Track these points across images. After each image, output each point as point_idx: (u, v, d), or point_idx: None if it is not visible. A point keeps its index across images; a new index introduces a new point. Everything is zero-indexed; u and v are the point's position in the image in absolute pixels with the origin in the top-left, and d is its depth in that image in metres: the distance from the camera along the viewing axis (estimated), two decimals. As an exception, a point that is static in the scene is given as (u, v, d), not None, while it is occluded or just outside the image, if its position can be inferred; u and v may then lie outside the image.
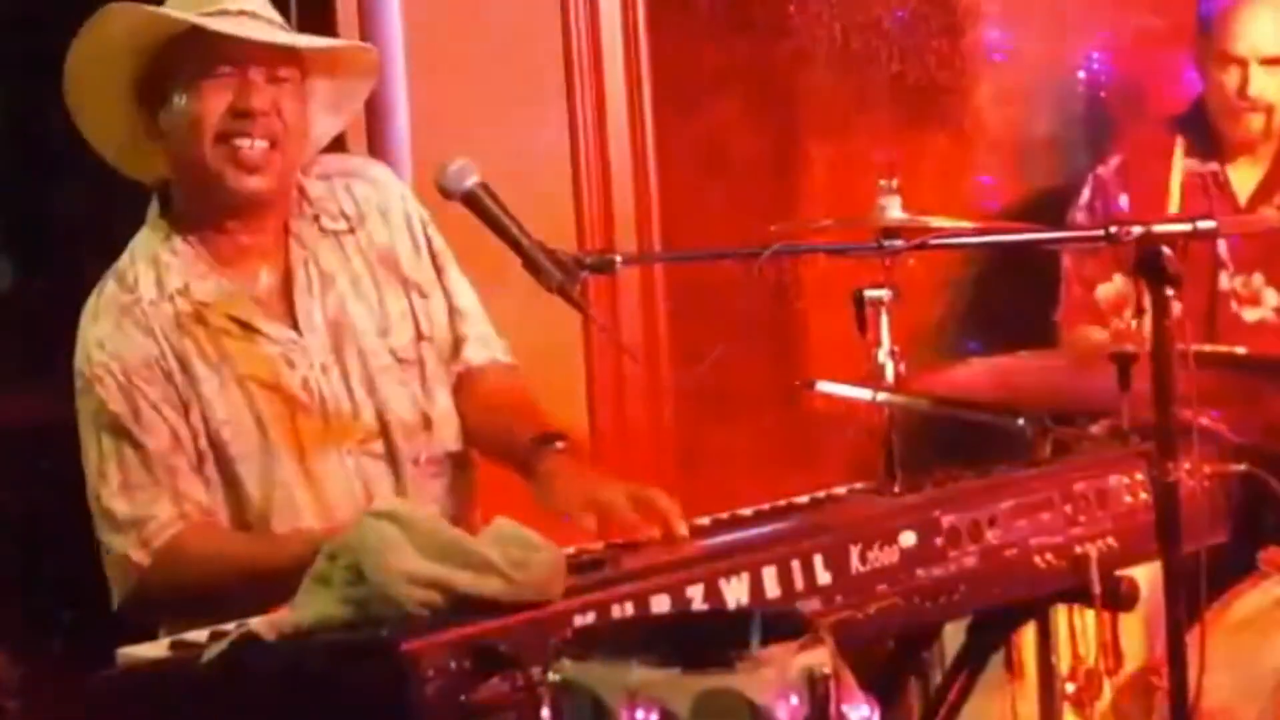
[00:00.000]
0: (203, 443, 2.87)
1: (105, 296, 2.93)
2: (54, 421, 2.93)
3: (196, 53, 2.87)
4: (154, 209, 2.99)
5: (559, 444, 2.87)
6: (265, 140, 2.88)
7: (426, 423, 2.99)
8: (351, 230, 3.02)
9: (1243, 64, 4.13)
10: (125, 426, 2.84)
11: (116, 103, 2.93)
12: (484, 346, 3.08)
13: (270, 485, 2.87)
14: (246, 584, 2.70)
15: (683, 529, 2.64)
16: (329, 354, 2.94)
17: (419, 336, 3.02)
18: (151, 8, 2.89)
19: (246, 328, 2.91)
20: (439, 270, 3.08)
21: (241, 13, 2.88)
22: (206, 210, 2.93)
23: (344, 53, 3.06)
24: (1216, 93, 4.19)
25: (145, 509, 2.83)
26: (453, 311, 3.07)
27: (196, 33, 2.85)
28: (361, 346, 2.96)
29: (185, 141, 2.89)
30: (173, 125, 2.90)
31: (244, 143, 2.87)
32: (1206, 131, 4.24)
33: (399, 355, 2.99)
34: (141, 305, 2.89)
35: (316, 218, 3.00)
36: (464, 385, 3.05)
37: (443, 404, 3.02)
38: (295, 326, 2.93)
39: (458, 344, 3.06)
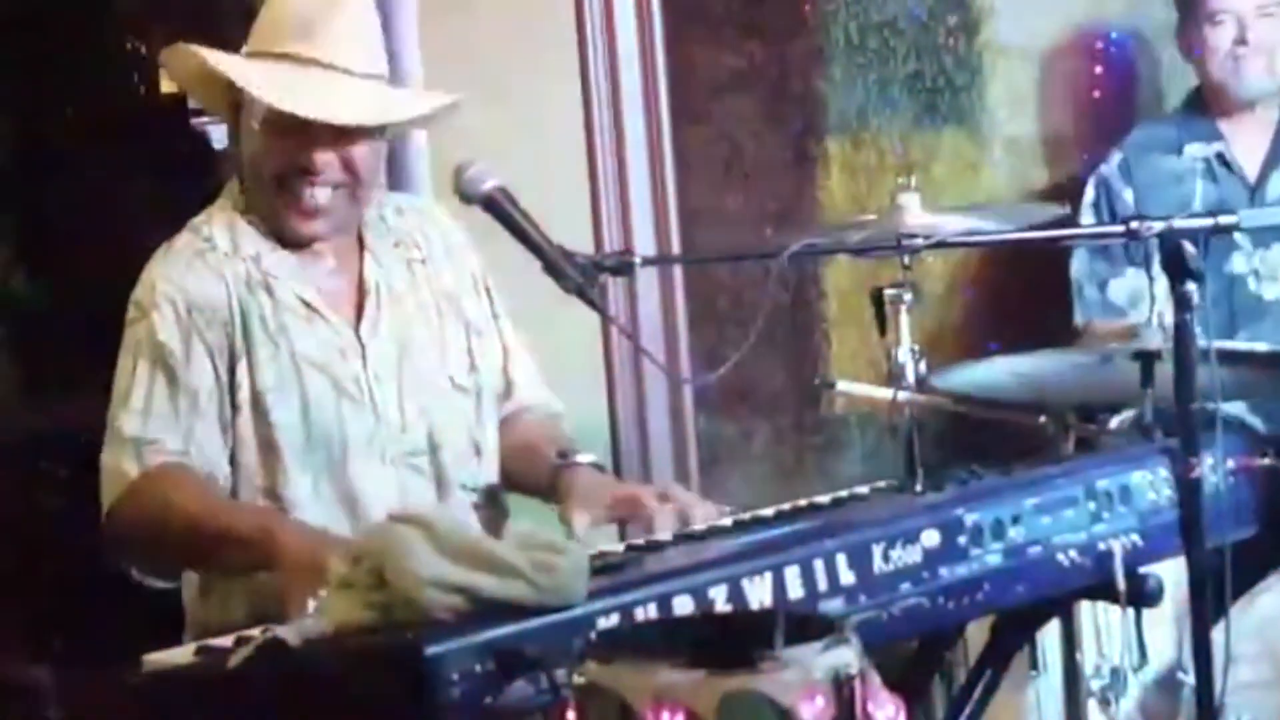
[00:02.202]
0: (242, 396, 2.84)
1: (178, 244, 2.92)
2: (96, 429, 2.92)
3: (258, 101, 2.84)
4: (234, 185, 2.97)
5: (582, 458, 2.89)
6: (328, 188, 2.88)
7: (477, 450, 3.00)
8: (423, 261, 3.03)
9: (1238, 15, 4.12)
10: (167, 358, 2.83)
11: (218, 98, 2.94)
12: (534, 391, 3.12)
13: (305, 465, 2.86)
14: (193, 536, 2.72)
15: (701, 518, 2.65)
16: (389, 367, 2.93)
17: (474, 368, 3.03)
18: (219, 61, 2.85)
19: (311, 309, 2.91)
20: (495, 317, 3.10)
21: (334, 67, 2.83)
22: (280, 233, 2.93)
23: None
24: (1212, 59, 4.18)
25: (153, 433, 2.81)
26: (507, 355, 3.09)
27: None
28: (421, 369, 2.96)
29: (252, 165, 2.89)
30: (246, 140, 2.90)
31: (305, 192, 2.87)
32: (1207, 114, 4.24)
33: (456, 382, 3.00)
34: (217, 253, 2.89)
35: (397, 242, 3.01)
36: (508, 422, 3.08)
37: (492, 436, 3.04)
38: (357, 331, 2.93)
39: (510, 387, 3.09)
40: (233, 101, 2.91)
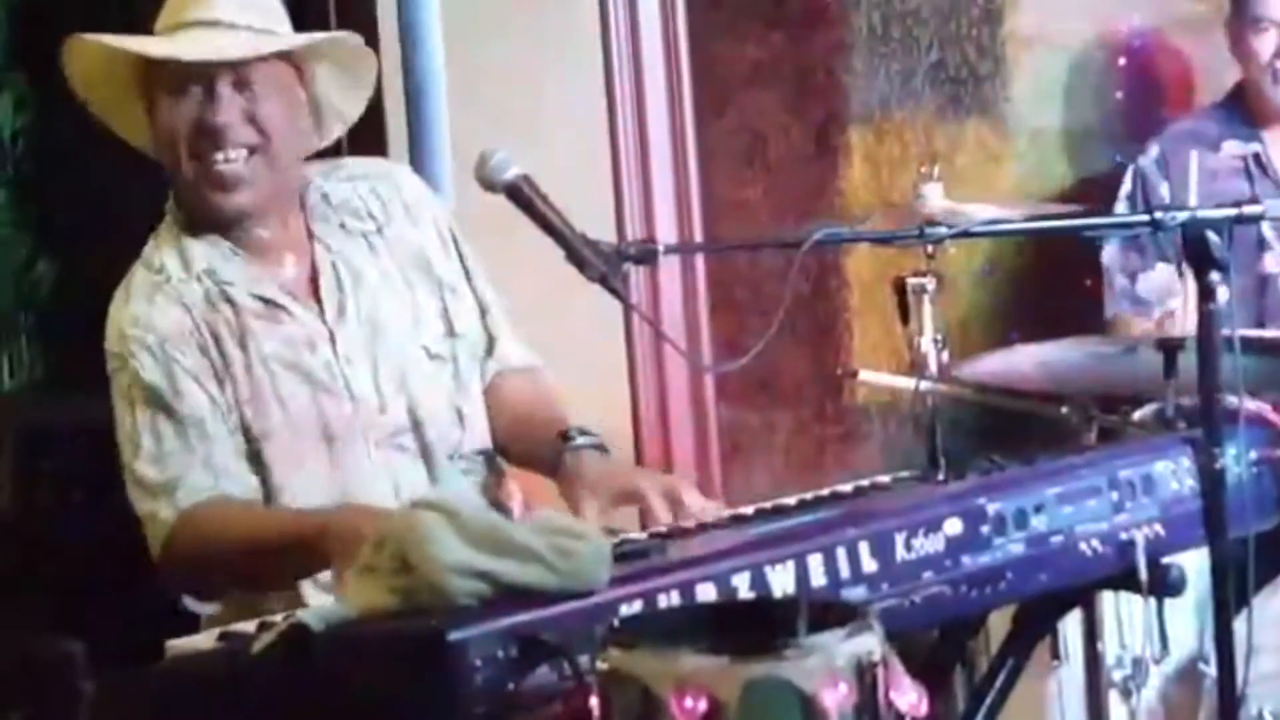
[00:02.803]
0: (234, 418, 2.86)
1: (134, 281, 2.92)
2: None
3: (165, 70, 2.86)
4: (171, 203, 2.98)
5: (581, 439, 2.88)
6: (241, 150, 2.87)
7: (460, 418, 2.99)
8: (379, 230, 3.01)
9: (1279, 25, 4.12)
10: (160, 396, 2.83)
11: (131, 109, 2.94)
12: (514, 349, 3.09)
13: (292, 466, 2.86)
14: (254, 558, 2.72)
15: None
16: (360, 349, 2.93)
17: (450, 333, 3.02)
18: (103, 38, 2.88)
19: (271, 305, 2.91)
20: (467, 271, 3.08)
21: (216, 23, 2.86)
22: (209, 217, 2.93)
23: (322, 45, 3.01)
24: (1253, 64, 4.18)
25: (176, 472, 2.81)
26: (483, 311, 3.07)
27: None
28: (394, 343, 2.95)
29: (166, 157, 2.90)
30: (156, 139, 2.91)
31: (217, 157, 2.86)
32: (1247, 113, 4.23)
33: (432, 351, 2.99)
34: (171, 282, 2.89)
35: (342, 223, 3.00)
36: (494, 391, 3.06)
37: (475, 400, 3.02)
38: (321, 316, 2.93)
39: (490, 343, 3.07)
40: (145, 97, 2.91)
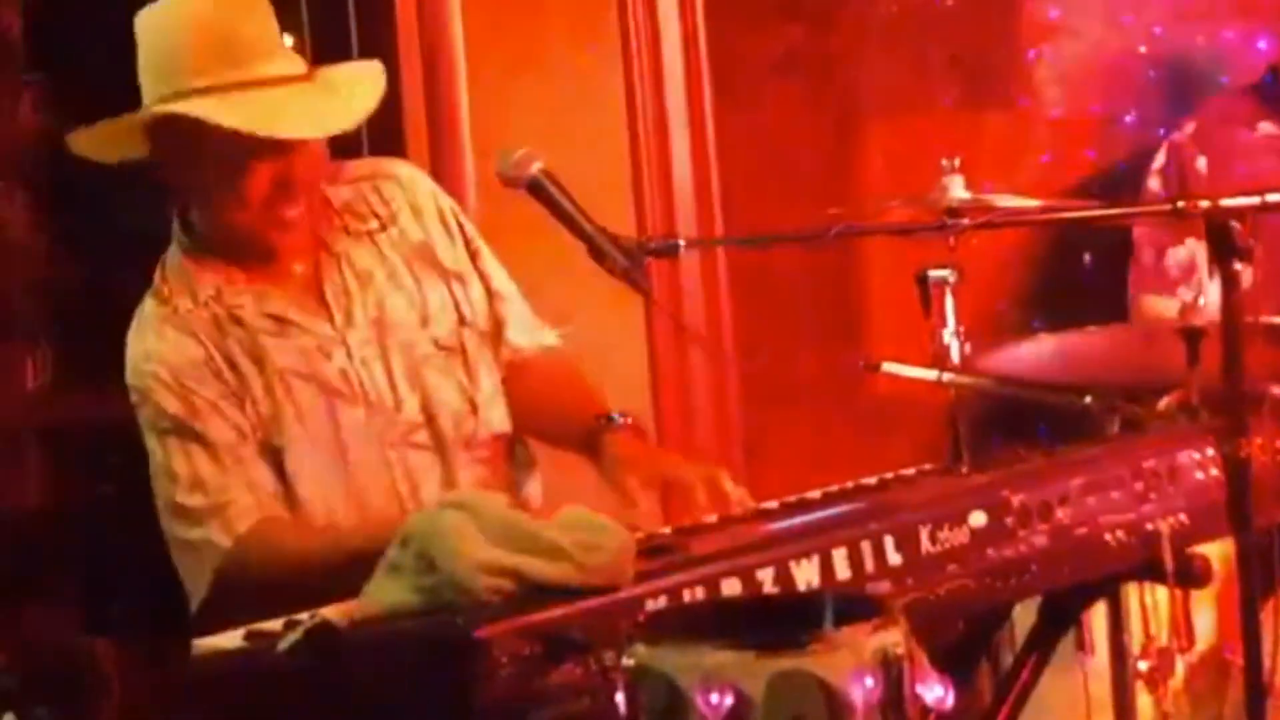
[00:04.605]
0: (258, 437, 2.87)
1: (144, 314, 2.94)
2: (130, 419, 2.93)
3: (216, 130, 2.81)
4: (175, 226, 2.99)
5: (623, 419, 2.88)
6: (306, 197, 2.90)
7: (473, 408, 2.99)
8: (384, 228, 3.02)
9: None
10: (187, 425, 2.85)
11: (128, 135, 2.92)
12: (526, 329, 3.09)
13: (311, 479, 2.87)
14: (319, 579, 2.71)
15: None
16: (371, 348, 2.93)
17: (460, 322, 3.02)
18: (194, 112, 2.80)
19: (281, 321, 2.92)
20: (473, 256, 3.07)
21: (281, 79, 2.85)
22: (235, 239, 2.93)
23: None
24: None
25: (222, 496, 2.83)
26: (491, 295, 3.07)
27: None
28: (404, 339, 2.96)
29: (222, 205, 2.88)
30: (203, 182, 2.88)
31: (287, 208, 2.87)
32: None
33: (441, 344, 2.99)
34: (179, 313, 2.90)
35: (346, 226, 3.00)
36: (515, 374, 3.05)
37: (487, 387, 3.02)
38: (331, 322, 2.94)
39: (499, 326, 3.06)
40: (157, 150, 2.89)
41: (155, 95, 2.87)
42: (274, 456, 2.87)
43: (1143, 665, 3.08)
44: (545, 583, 2.18)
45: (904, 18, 4.62)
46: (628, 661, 1.98)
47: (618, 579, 2.20)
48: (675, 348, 4.18)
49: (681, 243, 2.74)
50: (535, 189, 2.67)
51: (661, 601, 2.22)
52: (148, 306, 2.95)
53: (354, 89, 2.97)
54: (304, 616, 2.26)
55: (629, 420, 2.90)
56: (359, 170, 3.08)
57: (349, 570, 2.64)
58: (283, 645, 2.19)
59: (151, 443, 2.89)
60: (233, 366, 2.88)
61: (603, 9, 4.18)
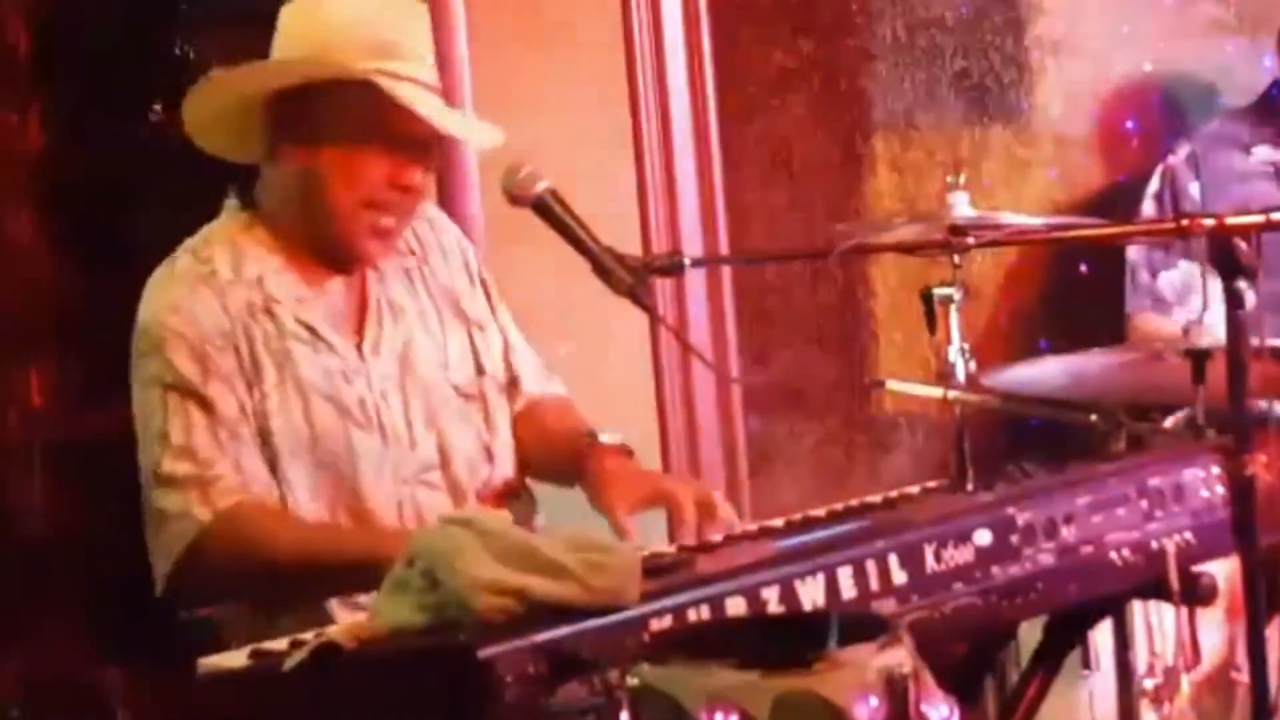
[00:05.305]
0: (256, 425, 2.82)
1: (179, 267, 2.89)
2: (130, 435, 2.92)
3: (375, 111, 2.80)
4: (232, 200, 2.95)
5: (609, 438, 2.88)
6: (409, 215, 2.90)
7: (489, 456, 2.98)
8: (419, 267, 3.02)
9: None
10: (194, 389, 2.78)
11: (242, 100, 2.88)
12: (539, 381, 3.10)
13: (314, 493, 2.84)
14: (301, 569, 2.71)
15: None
16: (392, 383, 2.92)
17: (479, 371, 3.01)
18: (382, 81, 2.79)
19: (314, 334, 2.89)
20: (493, 308, 3.08)
21: (415, 81, 2.83)
22: (309, 235, 2.90)
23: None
24: None
25: (209, 469, 2.77)
26: (508, 347, 3.08)
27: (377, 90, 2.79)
28: (425, 380, 2.94)
29: (328, 190, 2.84)
30: (317, 164, 2.84)
31: (388, 219, 2.86)
32: (1278, 118, 4.21)
33: (461, 390, 2.98)
34: (218, 279, 2.85)
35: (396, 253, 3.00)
36: (523, 416, 3.06)
37: (503, 436, 3.02)
38: (359, 349, 2.92)
39: (514, 379, 3.07)
40: (269, 128, 2.87)
41: (335, 63, 2.81)
42: (266, 453, 2.82)
43: (1148, 684, 3.08)
44: (551, 601, 2.18)
45: (910, 34, 4.62)
46: (632, 681, 1.98)
47: (623, 598, 2.20)
48: (680, 365, 4.18)
49: (686, 261, 2.74)
50: (540, 207, 2.67)
51: (666, 621, 2.21)
52: (183, 261, 2.88)
53: (468, 115, 2.98)
54: (309, 636, 2.26)
55: (615, 439, 2.89)
56: None
57: (337, 573, 2.66)
58: (288, 665, 2.19)
59: (148, 397, 2.81)
60: (251, 349, 2.83)
61: (606, 24, 4.18)
